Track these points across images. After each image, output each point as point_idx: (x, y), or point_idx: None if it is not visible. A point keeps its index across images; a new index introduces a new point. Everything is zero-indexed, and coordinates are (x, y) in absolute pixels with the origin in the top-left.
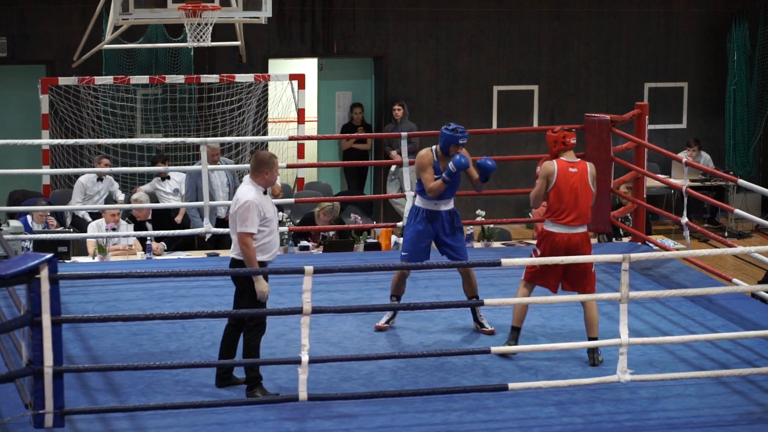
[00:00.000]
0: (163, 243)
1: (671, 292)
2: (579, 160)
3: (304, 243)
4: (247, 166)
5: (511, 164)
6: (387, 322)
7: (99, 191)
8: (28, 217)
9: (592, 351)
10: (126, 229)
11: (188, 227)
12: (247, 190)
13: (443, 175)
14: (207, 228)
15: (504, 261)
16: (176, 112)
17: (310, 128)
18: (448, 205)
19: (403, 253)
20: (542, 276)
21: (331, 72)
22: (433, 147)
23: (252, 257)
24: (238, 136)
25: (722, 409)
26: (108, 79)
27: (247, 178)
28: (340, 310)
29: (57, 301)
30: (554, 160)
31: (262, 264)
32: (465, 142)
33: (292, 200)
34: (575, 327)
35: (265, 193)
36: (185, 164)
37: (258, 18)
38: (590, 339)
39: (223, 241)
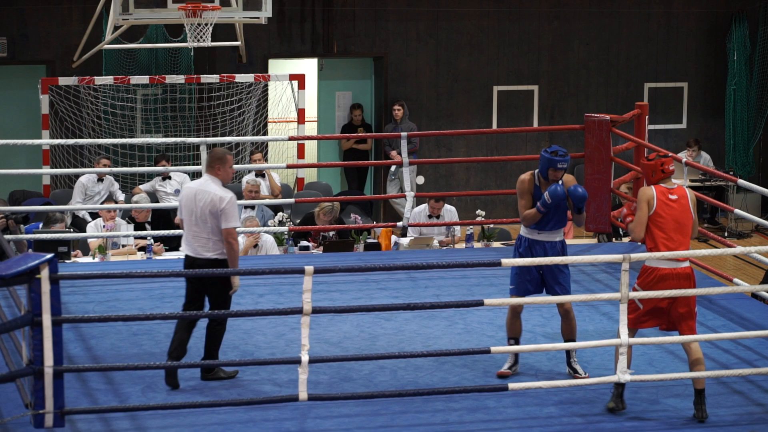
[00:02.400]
0: (160, 243)
1: (671, 292)
2: (677, 185)
3: (304, 243)
4: (247, 166)
5: (511, 164)
6: (510, 368)
7: (99, 191)
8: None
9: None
10: (126, 229)
11: None
12: (219, 186)
13: (538, 204)
14: None
15: (504, 261)
16: (176, 112)
17: (310, 128)
18: (553, 237)
19: (510, 287)
20: (649, 319)
21: (331, 72)
22: (536, 171)
23: (238, 252)
24: (238, 136)
25: (722, 409)
26: (108, 79)
27: (205, 174)
28: (340, 310)
29: (57, 301)
30: (652, 186)
31: (223, 262)
32: (564, 167)
33: (292, 200)
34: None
35: None
36: (185, 164)
37: (258, 18)
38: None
39: None
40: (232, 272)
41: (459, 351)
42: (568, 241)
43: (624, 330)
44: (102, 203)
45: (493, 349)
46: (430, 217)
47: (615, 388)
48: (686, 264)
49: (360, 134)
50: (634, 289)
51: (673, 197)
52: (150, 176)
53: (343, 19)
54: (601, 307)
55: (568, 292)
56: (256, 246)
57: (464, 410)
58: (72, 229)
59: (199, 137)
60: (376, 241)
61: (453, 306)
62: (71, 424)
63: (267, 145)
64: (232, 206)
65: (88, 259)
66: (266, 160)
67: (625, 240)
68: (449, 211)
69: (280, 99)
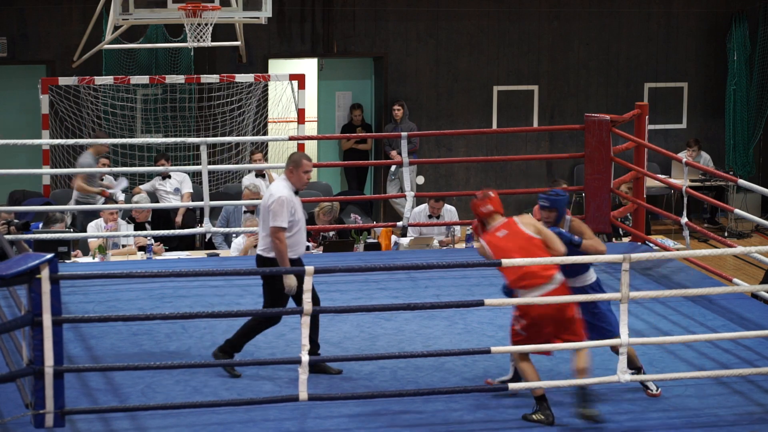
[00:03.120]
0: (160, 243)
1: (671, 292)
2: (506, 220)
3: None
4: (247, 166)
5: (511, 164)
6: (503, 382)
7: None
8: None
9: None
10: (126, 229)
11: (189, 227)
12: (282, 186)
13: None
14: (207, 228)
15: (504, 261)
16: (176, 112)
17: (310, 128)
18: (582, 281)
19: None
20: (530, 340)
21: (331, 72)
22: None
23: (284, 251)
24: (238, 136)
25: (722, 409)
26: (108, 79)
27: (282, 174)
28: (340, 310)
29: (58, 301)
30: (480, 239)
31: (267, 259)
32: (546, 205)
33: None
34: None
35: (296, 193)
36: (185, 164)
37: (258, 18)
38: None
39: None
40: (233, 272)
41: (459, 351)
42: None
43: (624, 330)
44: (102, 203)
45: (493, 349)
46: (430, 217)
47: (538, 402)
48: (552, 286)
49: (360, 134)
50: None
51: (502, 233)
52: (150, 176)
53: (343, 19)
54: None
55: (609, 325)
56: (256, 246)
57: (464, 410)
58: (72, 229)
59: (199, 137)
60: (376, 241)
61: (453, 306)
62: (71, 424)
63: (267, 145)
64: (279, 206)
65: (88, 259)
66: (266, 160)
67: (625, 240)
68: (449, 211)
69: (280, 99)
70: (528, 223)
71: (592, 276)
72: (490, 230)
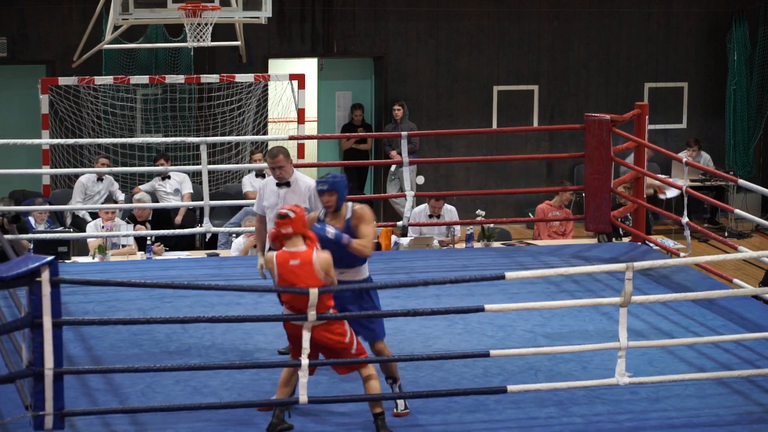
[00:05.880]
0: (160, 243)
1: (674, 295)
2: (305, 249)
3: None
4: (247, 166)
5: (511, 164)
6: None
7: (99, 191)
8: (30, 218)
9: None
10: (126, 229)
11: (189, 227)
12: (269, 177)
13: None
14: (207, 228)
15: (508, 275)
16: (176, 112)
17: (310, 128)
18: (354, 275)
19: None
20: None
21: (331, 72)
22: None
23: (256, 235)
24: (238, 136)
25: (722, 409)
26: (108, 79)
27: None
28: (340, 313)
29: (58, 303)
30: (275, 252)
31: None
32: (324, 189)
33: None
34: (575, 327)
35: (286, 185)
36: (185, 164)
37: (258, 18)
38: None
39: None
40: (231, 279)
41: (459, 354)
42: (568, 241)
43: (623, 333)
44: (102, 203)
45: (492, 352)
46: (430, 216)
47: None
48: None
49: (360, 134)
50: None
51: (295, 262)
52: (150, 176)
53: (343, 19)
54: (601, 307)
55: (377, 336)
56: (255, 246)
57: (464, 410)
58: (72, 229)
59: (199, 137)
60: (376, 241)
61: (453, 312)
62: (71, 424)
63: (267, 145)
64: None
65: (87, 259)
66: (266, 160)
67: (625, 240)
68: (449, 211)
69: (280, 99)
70: (323, 264)
71: (366, 271)
72: (287, 249)
